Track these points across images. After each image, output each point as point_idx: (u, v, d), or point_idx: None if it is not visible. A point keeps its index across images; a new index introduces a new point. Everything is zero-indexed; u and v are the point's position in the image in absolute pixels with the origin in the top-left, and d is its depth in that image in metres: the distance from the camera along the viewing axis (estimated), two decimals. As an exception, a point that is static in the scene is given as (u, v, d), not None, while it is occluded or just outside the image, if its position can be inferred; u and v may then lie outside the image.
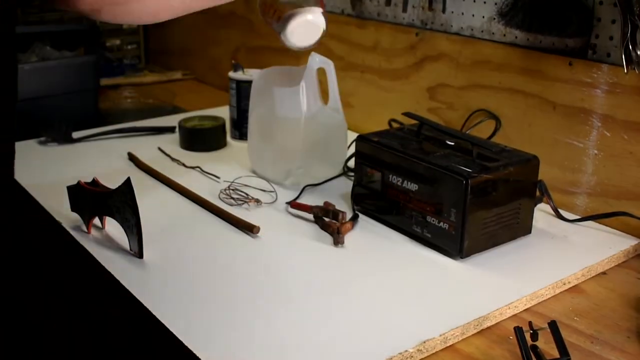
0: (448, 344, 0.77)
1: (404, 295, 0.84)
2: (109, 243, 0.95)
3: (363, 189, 1.04)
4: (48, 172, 1.22)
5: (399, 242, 0.98)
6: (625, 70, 0.93)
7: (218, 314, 0.80)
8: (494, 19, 1.15)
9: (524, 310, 0.84)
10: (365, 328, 0.78)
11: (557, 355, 0.71)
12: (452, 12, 1.23)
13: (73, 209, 1.00)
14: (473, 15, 1.19)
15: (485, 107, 1.17)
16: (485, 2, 1.17)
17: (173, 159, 1.27)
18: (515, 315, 0.83)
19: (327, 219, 1.00)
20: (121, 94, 1.78)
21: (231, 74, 1.37)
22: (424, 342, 0.74)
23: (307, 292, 0.85)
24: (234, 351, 0.73)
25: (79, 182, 0.98)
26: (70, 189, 0.99)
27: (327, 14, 0.90)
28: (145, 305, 0.80)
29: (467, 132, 1.17)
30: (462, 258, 0.92)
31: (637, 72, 0.94)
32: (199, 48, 1.92)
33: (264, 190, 1.13)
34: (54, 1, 0.75)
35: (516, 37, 1.13)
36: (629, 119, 0.99)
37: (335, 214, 0.99)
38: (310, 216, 1.03)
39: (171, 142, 1.36)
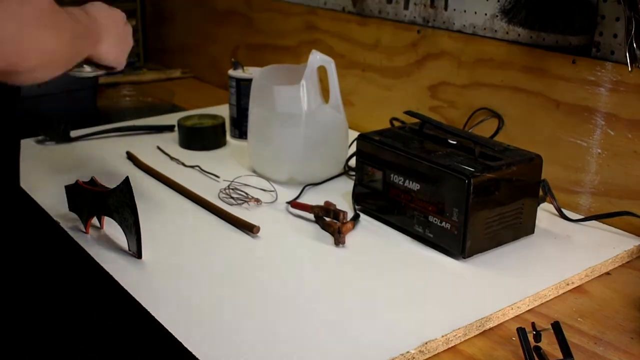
0: (450, 345, 0.76)
1: (405, 295, 0.84)
2: (108, 243, 0.95)
3: (364, 189, 1.04)
4: (46, 171, 1.21)
5: (400, 242, 0.97)
6: (630, 69, 0.93)
7: (217, 315, 0.79)
8: (497, 16, 1.14)
9: (527, 311, 0.84)
10: (366, 329, 0.77)
11: (561, 357, 0.71)
12: (455, 9, 1.22)
13: (71, 208, 0.99)
14: (475, 13, 1.19)
15: (488, 105, 1.17)
16: (487, 0, 1.16)
17: (172, 158, 1.26)
18: (518, 316, 0.83)
19: (327, 219, 1.00)
20: (120, 92, 1.77)
21: (231, 72, 1.37)
22: (426, 343, 0.74)
23: (307, 292, 0.85)
24: (234, 352, 0.72)
25: (77, 182, 0.97)
26: (69, 188, 0.99)
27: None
28: (143, 305, 0.80)
29: (470, 130, 1.16)
30: (464, 258, 0.92)
31: (641, 70, 0.93)
32: (198, 46, 1.92)
33: (264, 190, 1.12)
34: None
35: (519, 35, 1.13)
36: (633, 117, 0.98)
37: (336, 213, 0.98)
38: (311, 216, 1.03)
39: (170, 141, 1.35)
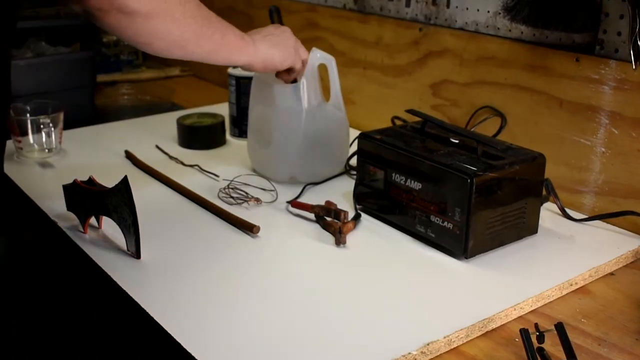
0: (452, 346, 0.76)
1: (407, 296, 0.84)
2: (106, 243, 0.95)
3: (365, 188, 1.03)
4: (44, 171, 1.21)
5: (402, 242, 0.97)
6: (634, 66, 0.92)
7: (216, 315, 0.79)
8: (500, 13, 1.14)
9: (530, 311, 0.83)
10: (367, 330, 0.77)
11: (564, 358, 0.70)
12: (457, 6, 1.22)
13: (69, 208, 0.99)
14: (478, 10, 1.18)
15: (490, 104, 1.16)
16: (489, -3, 1.16)
17: (171, 157, 1.26)
18: (521, 316, 0.82)
19: (328, 219, 0.99)
20: (118, 90, 1.77)
21: (230, 70, 1.36)
22: (428, 344, 0.74)
23: (308, 293, 0.84)
24: (233, 352, 0.72)
25: (75, 181, 0.97)
26: (67, 187, 0.98)
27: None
28: (142, 306, 0.80)
29: (472, 129, 1.16)
30: (466, 258, 0.91)
31: (645, 68, 0.93)
32: (198, 44, 1.91)
33: (264, 189, 1.12)
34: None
35: (522, 33, 1.12)
36: (637, 116, 0.98)
37: (337, 213, 0.98)
38: (312, 216, 1.02)
39: (169, 140, 1.35)
